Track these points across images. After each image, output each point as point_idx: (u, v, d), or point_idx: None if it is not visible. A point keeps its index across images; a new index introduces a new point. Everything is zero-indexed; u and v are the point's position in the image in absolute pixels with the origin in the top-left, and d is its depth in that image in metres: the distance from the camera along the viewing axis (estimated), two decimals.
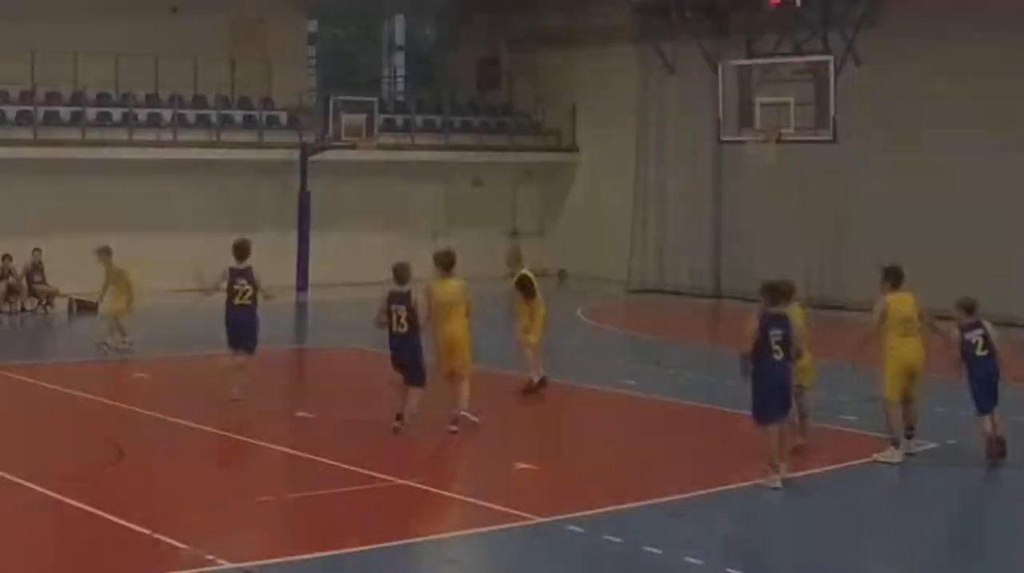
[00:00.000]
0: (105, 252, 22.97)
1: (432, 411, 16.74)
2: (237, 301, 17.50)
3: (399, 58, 45.24)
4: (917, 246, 29.43)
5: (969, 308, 15.56)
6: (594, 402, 19.35)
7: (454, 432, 16.12)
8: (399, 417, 16.19)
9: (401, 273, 16.01)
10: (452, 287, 16.36)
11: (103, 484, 13.65)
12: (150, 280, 28.21)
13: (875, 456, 15.09)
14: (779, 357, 13.71)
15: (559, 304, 25.65)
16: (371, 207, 33.73)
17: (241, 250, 17.58)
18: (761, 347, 13.65)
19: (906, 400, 15.37)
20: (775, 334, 13.69)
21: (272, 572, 10.80)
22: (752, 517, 13.19)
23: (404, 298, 15.95)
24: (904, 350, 15.28)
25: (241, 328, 17.57)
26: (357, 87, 39.22)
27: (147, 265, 29.48)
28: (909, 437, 15.37)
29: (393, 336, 16.04)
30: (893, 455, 15.06)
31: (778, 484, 13.66)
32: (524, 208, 37.61)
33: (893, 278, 15.65)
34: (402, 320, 15.87)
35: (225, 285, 17.63)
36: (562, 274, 37.21)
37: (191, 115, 32.06)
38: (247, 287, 17.53)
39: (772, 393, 13.82)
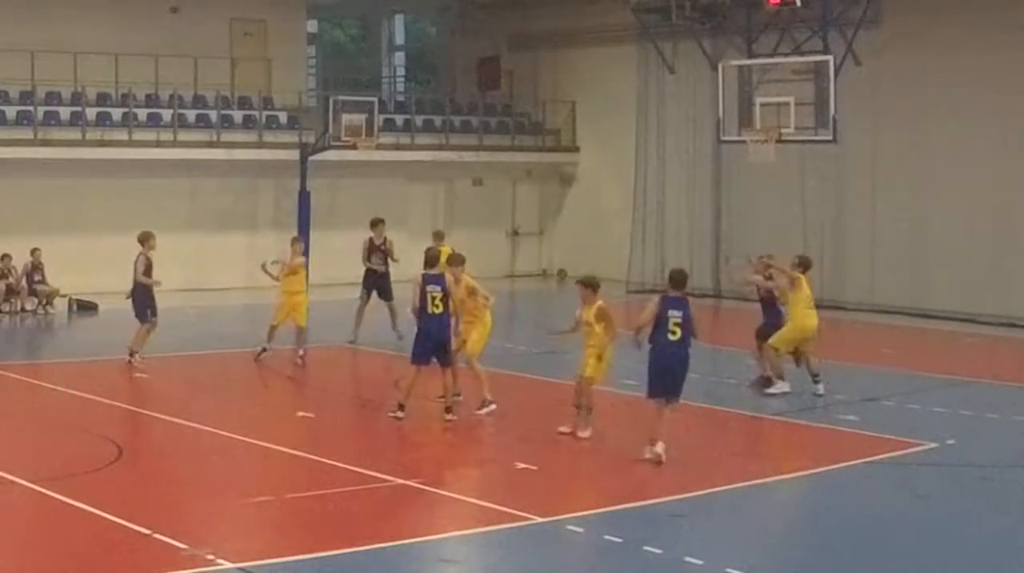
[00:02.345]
0: (297, 241, 21.92)
1: (433, 410, 16.76)
2: None
3: (399, 58, 45.27)
4: (917, 245, 29.54)
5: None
6: (594, 402, 19.32)
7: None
8: (401, 406, 16.66)
9: (431, 257, 16.92)
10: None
11: (103, 484, 13.64)
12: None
13: (767, 390, 18.39)
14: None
15: (559, 304, 25.64)
16: (371, 207, 33.62)
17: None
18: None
19: (800, 353, 18.56)
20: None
21: (272, 572, 10.80)
22: (752, 517, 13.19)
23: (438, 280, 16.58)
24: (807, 321, 18.44)
25: None
26: (357, 87, 39.28)
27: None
28: (817, 382, 18.41)
29: (429, 317, 16.51)
30: (782, 386, 18.41)
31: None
32: (524, 208, 37.62)
33: (806, 264, 18.89)
34: (437, 301, 16.43)
35: None
36: (562, 274, 37.22)
37: (191, 115, 32.06)
38: None
39: None
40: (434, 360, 16.69)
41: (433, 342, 16.59)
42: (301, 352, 20.87)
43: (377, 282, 23.67)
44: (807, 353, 18.63)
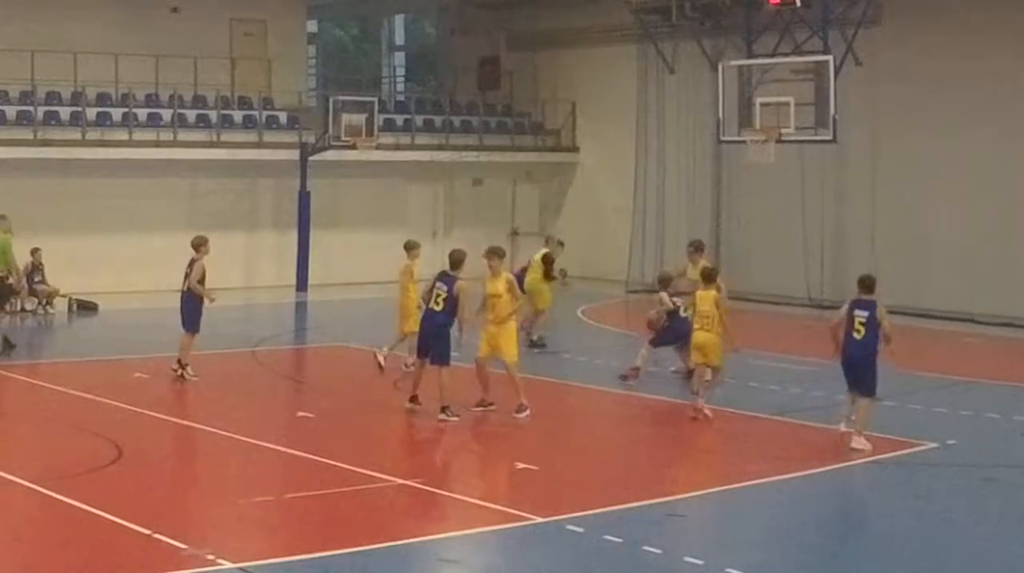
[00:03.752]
0: (412, 246, 20.02)
1: (430, 409, 16.77)
2: None
3: (399, 58, 45.30)
4: (917, 245, 29.53)
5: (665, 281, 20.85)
6: (594, 402, 19.37)
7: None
8: (413, 399, 17.01)
9: (454, 258, 17.05)
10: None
11: (103, 484, 13.64)
12: (150, 280, 28.32)
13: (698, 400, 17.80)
14: None
15: (559, 304, 25.65)
16: (371, 207, 33.73)
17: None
18: None
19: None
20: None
21: (272, 572, 10.80)
22: (752, 517, 13.19)
23: (448, 281, 16.87)
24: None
25: None
26: (357, 87, 39.27)
27: (147, 266, 29.68)
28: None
29: (428, 310, 17.01)
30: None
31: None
32: (524, 208, 37.60)
33: (712, 275, 18.40)
34: (439, 299, 16.77)
35: None
36: (562, 274, 37.18)
37: (191, 115, 32.03)
38: None
39: None
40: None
41: (425, 335, 16.98)
42: (411, 359, 19.43)
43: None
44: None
